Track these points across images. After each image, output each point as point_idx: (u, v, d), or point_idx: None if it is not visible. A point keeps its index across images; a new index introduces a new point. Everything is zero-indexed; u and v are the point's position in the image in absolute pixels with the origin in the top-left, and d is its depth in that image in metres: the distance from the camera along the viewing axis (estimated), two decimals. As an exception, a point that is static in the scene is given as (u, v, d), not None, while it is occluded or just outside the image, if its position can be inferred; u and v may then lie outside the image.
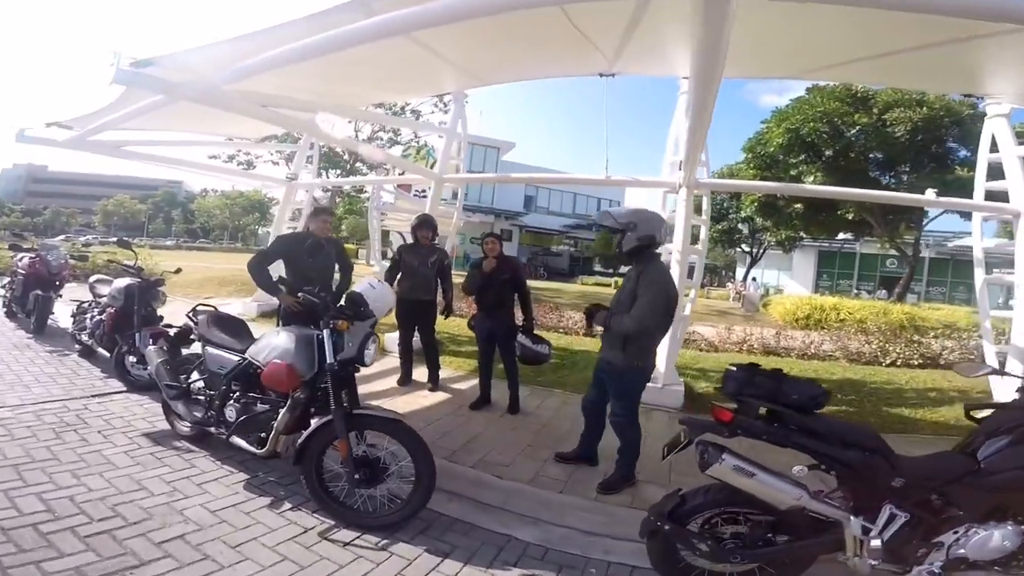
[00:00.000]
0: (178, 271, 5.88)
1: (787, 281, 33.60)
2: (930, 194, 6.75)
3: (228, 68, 3.77)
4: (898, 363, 8.92)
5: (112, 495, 2.99)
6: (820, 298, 16.84)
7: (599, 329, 3.61)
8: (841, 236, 25.18)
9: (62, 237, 7.85)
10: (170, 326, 4.33)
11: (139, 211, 59.52)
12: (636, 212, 3.49)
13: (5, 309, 7.78)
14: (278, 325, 4.47)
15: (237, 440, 3.38)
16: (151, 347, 4.09)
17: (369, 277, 3.79)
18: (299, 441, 3.10)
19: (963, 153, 16.82)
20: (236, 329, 3.88)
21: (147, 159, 8.55)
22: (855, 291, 29.80)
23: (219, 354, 3.67)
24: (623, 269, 35.39)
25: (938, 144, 16.90)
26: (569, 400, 5.80)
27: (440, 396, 5.65)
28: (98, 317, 5.61)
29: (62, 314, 7.18)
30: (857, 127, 16.94)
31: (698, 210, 6.39)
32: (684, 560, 2.47)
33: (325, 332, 3.17)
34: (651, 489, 3.56)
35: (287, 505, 3.14)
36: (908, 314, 13.40)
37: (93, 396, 4.70)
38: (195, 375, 3.92)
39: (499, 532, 3.02)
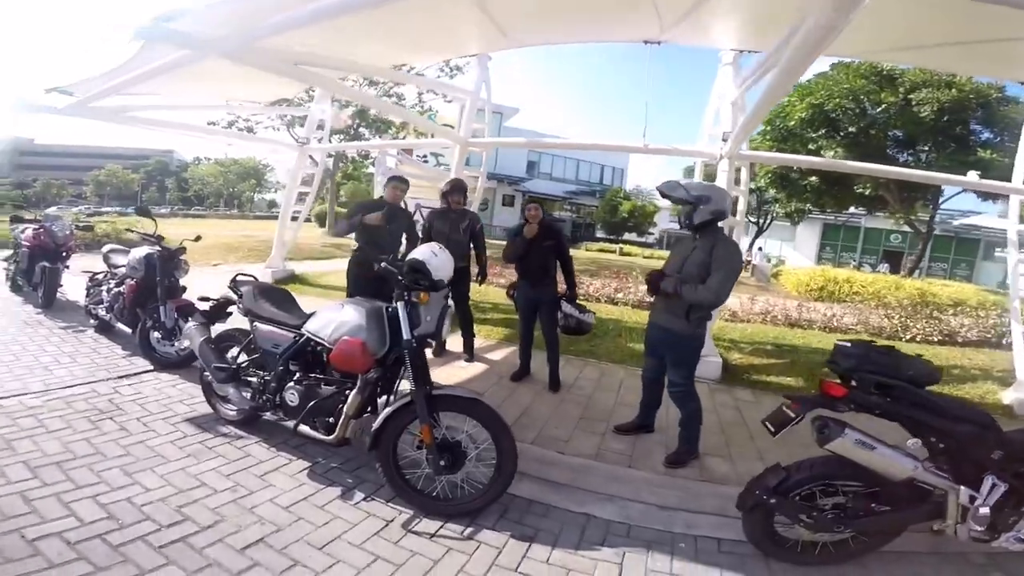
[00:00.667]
0: (198, 239, 5.44)
1: (790, 252, 33.59)
2: (972, 175, 6.61)
3: (258, 24, 3.52)
4: (918, 339, 8.83)
5: (172, 495, 2.66)
6: (833, 270, 16.90)
7: (664, 293, 3.48)
8: (851, 210, 25.34)
9: (54, 208, 7.48)
10: (206, 299, 3.88)
11: (132, 181, 58.04)
12: (709, 187, 3.49)
13: (10, 283, 7.34)
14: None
15: (304, 428, 3.03)
16: (191, 324, 3.68)
17: (430, 243, 3.40)
18: (374, 426, 2.80)
19: (985, 135, 17.00)
20: (284, 302, 3.49)
21: (150, 124, 8.07)
22: (857, 264, 29.89)
23: (271, 330, 3.29)
24: (629, 236, 35.42)
25: (963, 126, 16.84)
26: (606, 371, 5.67)
27: (478, 367, 5.39)
28: (116, 290, 5.19)
29: (70, 286, 6.81)
30: (883, 105, 16.96)
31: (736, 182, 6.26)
32: (778, 532, 2.56)
33: (400, 305, 2.84)
34: (714, 461, 3.61)
35: (359, 495, 2.90)
36: (920, 289, 13.23)
37: (121, 377, 4.32)
38: (239, 353, 3.55)
39: (576, 511, 2.91)
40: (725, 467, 3.54)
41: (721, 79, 6.08)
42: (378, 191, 14.32)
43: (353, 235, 4.86)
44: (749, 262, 23.46)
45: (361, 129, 21.62)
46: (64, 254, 6.71)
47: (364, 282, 4.58)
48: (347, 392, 2.93)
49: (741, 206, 6.27)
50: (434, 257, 3.07)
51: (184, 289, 4.99)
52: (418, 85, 5.93)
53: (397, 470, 2.84)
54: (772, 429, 2.50)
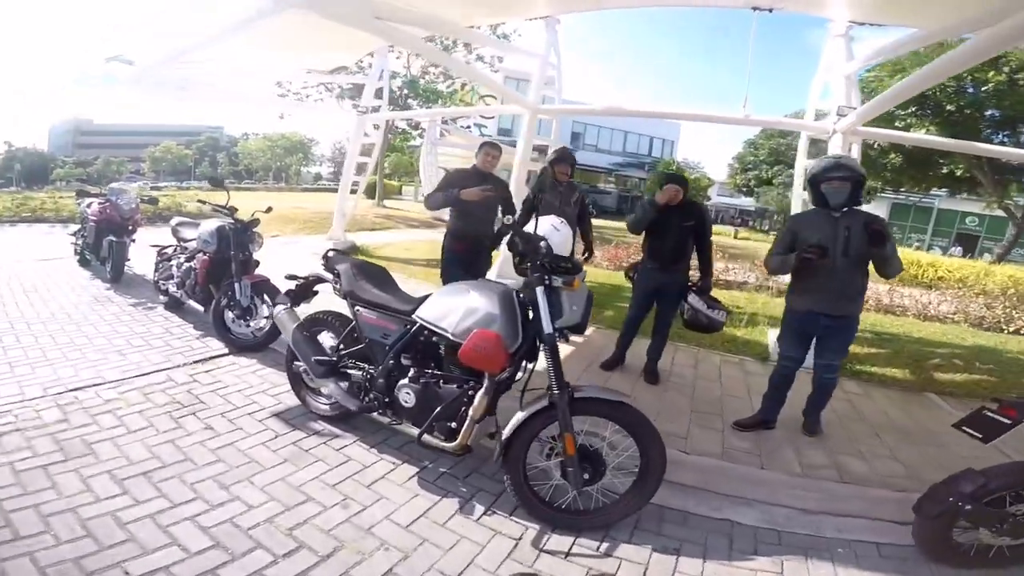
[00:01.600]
0: (269, 210, 5.05)
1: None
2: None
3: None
4: (1022, 331, 7.97)
5: (279, 513, 2.27)
6: (914, 253, 16.30)
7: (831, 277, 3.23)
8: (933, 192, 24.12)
9: (119, 182, 7.47)
10: (294, 276, 3.42)
11: (185, 156, 59.41)
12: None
13: (78, 257, 7.21)
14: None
15: (429, 439, 2.59)
16: (281, 310, 3.24)
17: (550, 217, 2.88)
18: (504, 434, 2.38)
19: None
20: (385, 282, 3.03)
21: (210, 96, 7.76)
22: (927, 246, 28.35)
23: (378, 317, 2.83)
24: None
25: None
26: (702, 357, 5.24)
27: (566, 350, 4.87)
28: (186, 265, 4.87)
29: (137, 260, 6.60)
30: (990, 84, 15.67)
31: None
32: (953, 537, 2.36)
33: (539, 291, 2.34)
34: (847, 460, 3.34)
35: (479, 508, 2.53)
36: (1012, 277, 12.00)
37: (196, 362, 4.00)
38: (339, 343, 3.12)
39: (717, 518, 2.64)
40: (861, 467, 3.27)
41: (831, 51, 5.79)
42: (424, 161, 13.92)
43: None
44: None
45: (409, 100, 21.16)
46: (130, 228, 6.48)
47: (459, 260, 4.17)
48: (470, 392, 2.48)
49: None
50: (556, 232, 2.59)
51: (257, 263, 4.63)
52: (493, 47, 5.46)
53: (526, 482, 2.45)
54: (980, 436, 2.31)
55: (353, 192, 9.68)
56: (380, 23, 4.29)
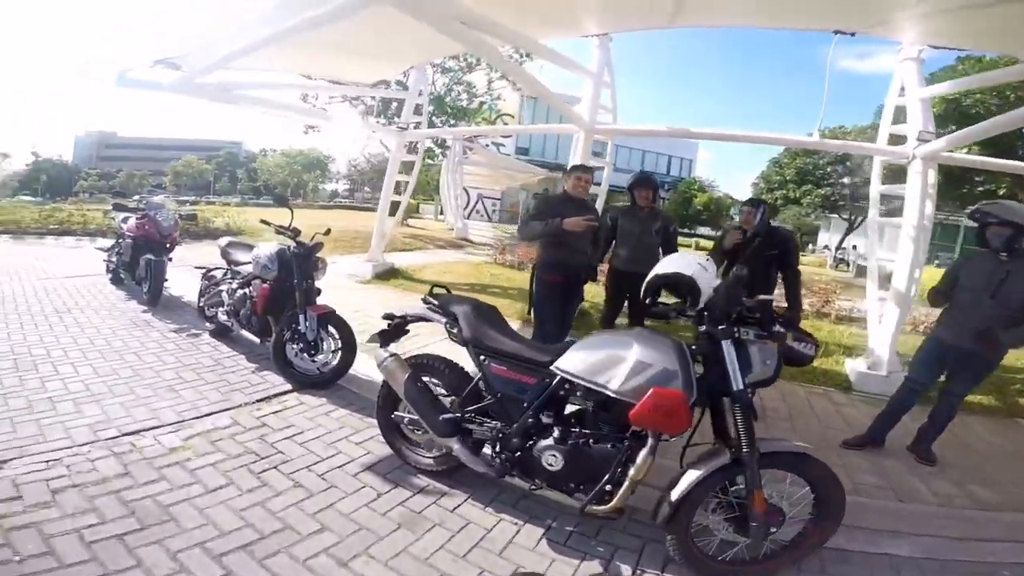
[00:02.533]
0: (328, 232, 4.64)
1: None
2: None
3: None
4: None
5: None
6: None
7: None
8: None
9: (136, 198, 7.21)
10: (391, 316, 2.93)
11: (205, 171, 59.72)
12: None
13: (111, 275, 6.84)
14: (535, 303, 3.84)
15: (594, 508, 2.18)
16: (387, 357, 2.75)
17: (692, 253, 2.50)
18: (674, 495, 2.09)
19: None
20: (503, 325, 2.61)
21: (253, 103, 7.47)
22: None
23: (507, 369, 2.41)
24: (702, 230, 33.58)
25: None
26: (786, 390, 4.84)
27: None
28: (240, 292, 4.46)
29: (174, 280, 6.23)
30: None
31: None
32: None
33: (727, 344, 2.06)
34: (977, 489, 3.25)
35: (625, 569, 2.26)
36: None
37: (259, 400, 3.57)
38: (457, 397, 2.68)
39: (875, 552, 2.54)
40: (989, 494, 3.21)
41: (902, 74, 5.62)
42: (445, 180, 13.40)
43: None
44: (842, 260, 21.81)
45: (433, 118, 20.98)
46: (168, 246, 6.12)
47: (554, 293, 3.78)
48: (629, 452, 2.14)
49: (929, 210, 5.58)
50: (704, 272, 2.20)
51: (319, 292, 4.22)
52: (550, 60, 5.23)
53: (691, 539, 2.21)
54: None
55: (392, 214, 9.33)
56: (461, 27, 3.98)
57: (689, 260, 2.30)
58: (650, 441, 2.07)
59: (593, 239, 4.04)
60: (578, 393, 2.24)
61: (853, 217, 28.96)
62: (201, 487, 2.43)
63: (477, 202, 32.16)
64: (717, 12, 5.27)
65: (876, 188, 6.57)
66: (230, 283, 4.65)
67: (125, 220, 6.45)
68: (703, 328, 2.14)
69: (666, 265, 2.28)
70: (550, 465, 2.21)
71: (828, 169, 26.40)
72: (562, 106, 6.96)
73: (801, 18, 5.08)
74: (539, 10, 5.21)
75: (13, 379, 3.53)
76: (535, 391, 2.32)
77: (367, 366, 4.11)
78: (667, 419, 1.97)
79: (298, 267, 4.02)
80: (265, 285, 4.15)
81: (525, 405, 2.32)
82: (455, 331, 2.55)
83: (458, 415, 2.50)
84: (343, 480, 2.63)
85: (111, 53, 5.84)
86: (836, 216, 30.69)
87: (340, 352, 3.97)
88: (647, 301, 2.30)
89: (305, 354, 3.91)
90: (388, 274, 8.69)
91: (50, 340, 4.40)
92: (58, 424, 2.95)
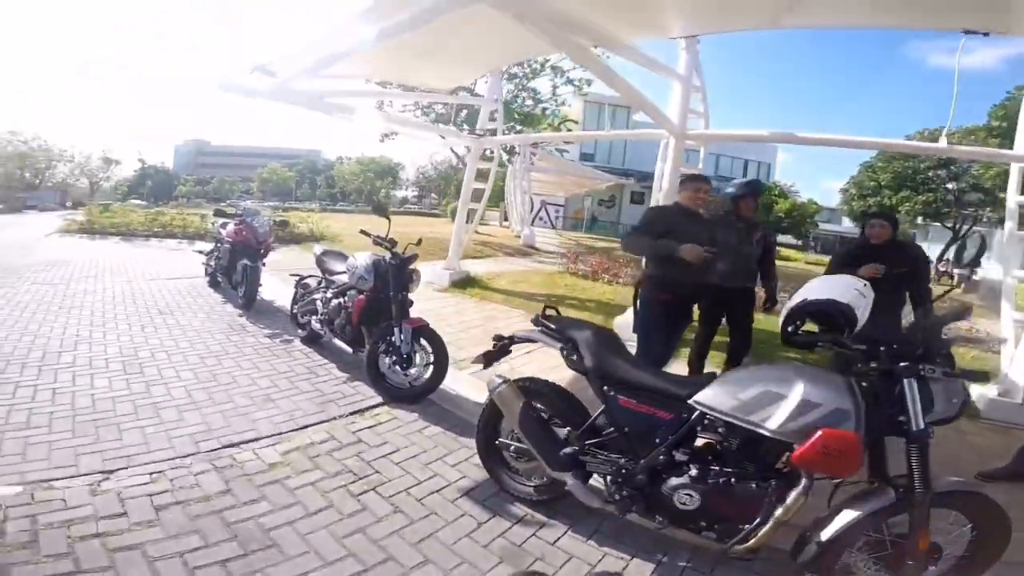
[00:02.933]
0: (419, 242, 4.56)
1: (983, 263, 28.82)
2: None
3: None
4: None
5: None
6: None
7: None
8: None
9: (227, 203, 7.58)
10: (501, 337, 2.74)
11: (288, 179, 62.59)
12: None
13: (209, 279, 7.17)
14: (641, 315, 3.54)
15: (740, 548, 1.97)
16: (500, 384, 2.56)
17: (846, 277, 2.19)
18: (823, 536, 1.88)
19: None
20: (626, 354, 2.40)
21: (344, 111, 7.64)
22: None
23: (637, 403, 2.19)
24: (783, 239, 31.80)
25: None
26: None
27: None
28: (335, 301, 4.46)
29: (266, 285, 6.38)
30: None
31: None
32: None
33: (909, 382, 1.80)
34: None
35: None
36: None
37: (353, 413, 3.52)
38: (569, 428, 2.48)
39: None
40: None
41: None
42: (511, 186, 12.96)
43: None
44: (946, 273, 19.92)
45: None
46: (262, 251, 6.31)
47: (663, 312, 3.49)
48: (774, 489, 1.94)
49: None
50: (862, 300, 1.91)
51: (411, 303, 4.15)
52: (639, 62, 5.03)
53: None
54: None
55: (468, 221, 9.30)
56: (551, 27, 3.88)
57: (845, 285, 2.02)
58: (804, 481, 1.85)
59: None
60: (719, 429, 2.01)
61: (959, 226, 26.59)
62: (302, 508, 2.35)
63: (541, 208, 31.91)
64: (831, 11, 4.83)
65: (1013, 198, 5.88)
66: (324, 292, 4.68)
67: (224, 226, 6.73)
68: (875, 364, 1.87)
69: (816, 290, 2.00)
70: (683, 504, 2.00)
71: (929, 174, 24.51)
72: (654, 111, 6.62)
73: (930, 18, 4.61)
74: (630, 12, 4.97)
75: (121, 382, 3.68)
76: (669, 426, 2.09)
77: (455, 381, 4.01)
78: (837, 462, 1.75)
79: (394, 278, 3.96)
80: (361, 296, 4.12)
81: (657, 441, 2.10)
82: (574, 358, 2.35)
83: (576, 448, 2.29)
84: (442, 507, 2.49)
85: (111, 53, 6.09)
86: (938, 225, 28.33)
87: (432, 366, 3.87)
88: (788, 329, 2.01)
89: (397, 367, 3.84)
90: (464, 282, 8.63)
91: (155, 342, 4.59)
92: (162, 432, 3.00)
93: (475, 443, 2.78)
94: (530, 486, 2.57)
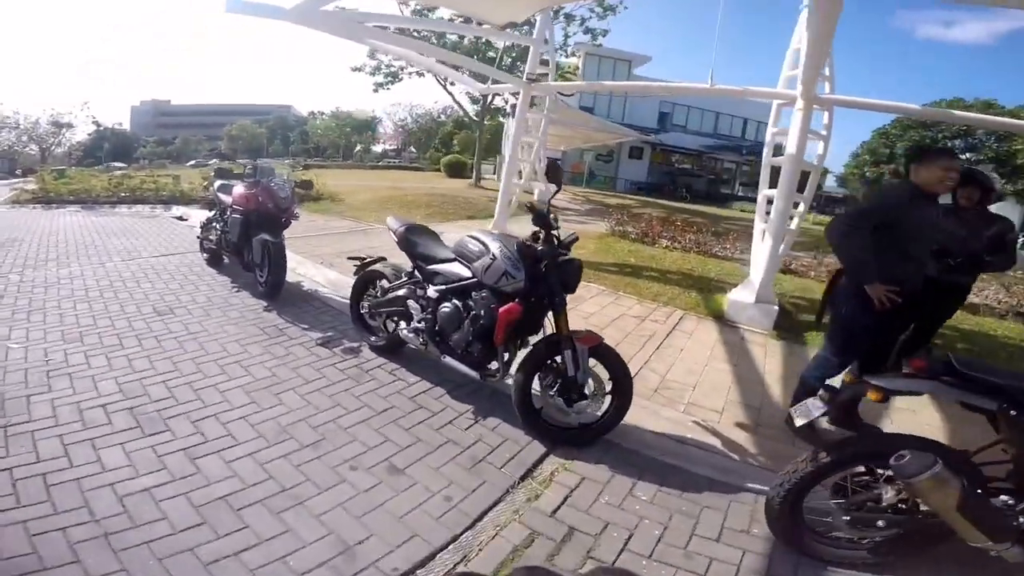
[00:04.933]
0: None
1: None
2: None
3: None
4: None
5: None
6: None
7: None
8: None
9: (192, 163, 6.16)
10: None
11: (259, 135, 59.17)
12: None
13: (206, 255, 5.55)
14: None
15: None
16: (939, 465, 1.39)
17: None
18: None
19: None
20: None
21: (383, 39, 6.08)
22: None
23: None
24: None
25: None
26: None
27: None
28: (450, 305, 2.90)
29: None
30: None
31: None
32: None
33: None
34: None
35: None
36: None
37: (521, 478, 2.22)
38: None
39: None
40: None
41: (803, 20, 5.44)
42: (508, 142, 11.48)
43: None
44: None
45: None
46: (285, 221, 4.75)
47: (876, 318, 2.65)
48: None
49: (821, 151, 5.70)
50: None
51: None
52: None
53: None
54: None
55: (517, 178, 7.83)
56: None
57: None
58: None
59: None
60: None
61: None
62: None
63: (560, 160, 30.58)
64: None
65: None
66: (421, 288, 3.21)
67: (224, 188, 5.11)
68: None
69: None
70: None
71: (948, 144, 24.08)
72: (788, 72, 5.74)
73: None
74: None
75: (154, 477, 2.13)
76: None
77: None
78: None
79: (555, 278, 2.58)
80: (514, 304, 2.67)
81: None
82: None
83: None
84: None
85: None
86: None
87: (610, 396, 2.57)
88: None
89: (560, 398, 2.50)
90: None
91: (165, 367, 3.09)
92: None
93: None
94: None
